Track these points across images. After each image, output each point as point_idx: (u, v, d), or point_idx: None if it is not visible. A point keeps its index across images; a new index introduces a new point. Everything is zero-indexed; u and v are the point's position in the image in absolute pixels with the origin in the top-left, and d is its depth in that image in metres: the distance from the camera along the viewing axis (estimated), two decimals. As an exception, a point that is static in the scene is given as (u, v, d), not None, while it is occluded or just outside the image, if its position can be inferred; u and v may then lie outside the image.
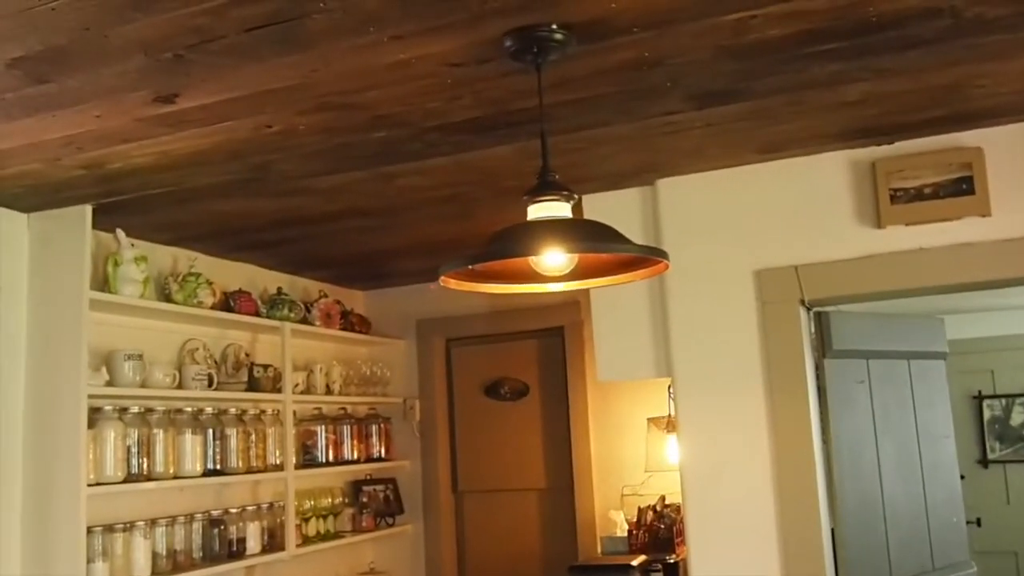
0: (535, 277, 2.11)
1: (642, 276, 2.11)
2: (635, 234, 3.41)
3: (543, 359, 5.04)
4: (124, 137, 2.56)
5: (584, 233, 1.98)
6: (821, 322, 3.28)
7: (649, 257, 2.04)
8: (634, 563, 3.40)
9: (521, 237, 1.95)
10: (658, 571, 3.50)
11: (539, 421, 5.01)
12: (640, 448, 4.48)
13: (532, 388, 5.05)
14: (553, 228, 1.97)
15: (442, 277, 2.01)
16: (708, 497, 3.17)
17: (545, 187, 2.04)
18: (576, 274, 2.11)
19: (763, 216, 3.21)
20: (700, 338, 3.24)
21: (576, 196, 2.05)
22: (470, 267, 2.01)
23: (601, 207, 3.42)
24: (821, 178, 3.14)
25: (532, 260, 2.01)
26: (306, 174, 3.05)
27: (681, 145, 3.01)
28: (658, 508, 4.13)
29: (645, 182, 3.41)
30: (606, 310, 3.44)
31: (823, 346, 3.27)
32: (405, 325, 5.20)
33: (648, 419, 4.42)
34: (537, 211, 2.04)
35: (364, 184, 3.19)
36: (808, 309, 3.24)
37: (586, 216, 3.37)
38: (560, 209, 2.03)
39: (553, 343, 4.94)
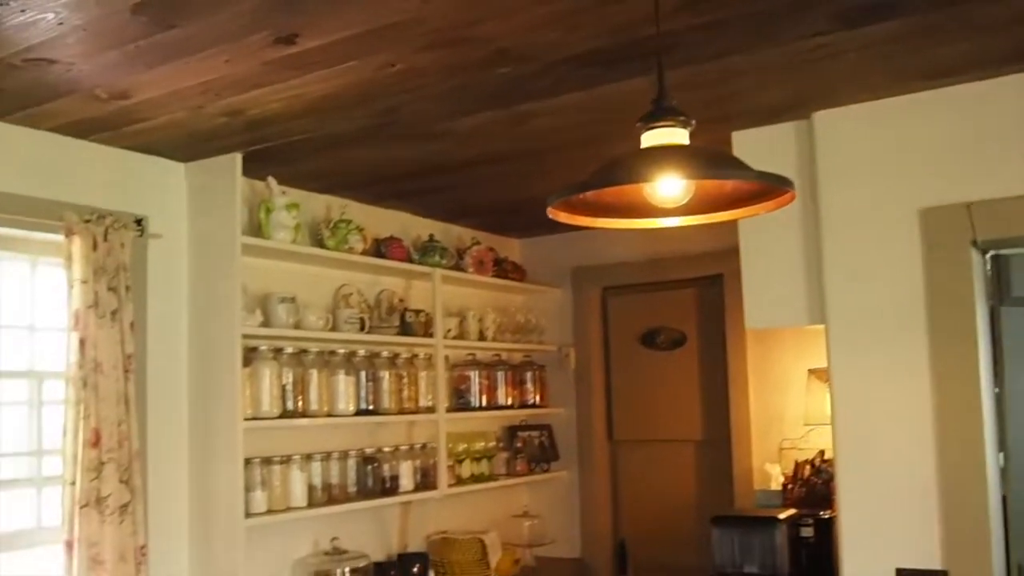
0: (651, 211, 2.00)
1: (766, 209, 1.96)
2: (789, 172, 3.14)
3: (701, 308, 4.88)
4: (255, 82, 2.62)
5: (701, 159, 1.85)
6: (999, 266, 2.97)
7: (774, 187, 1.88)
8: (781, 516, 3.23)
9: (634, 164, 1.84)
10: (809, 526, 3.33)
11: (696, 371, 4.87)
12: (801, 401, 4.26)
13: (689, 337, 4.90)
14: (668, 154, 1.84)
15: (550, 208, 1.92)
16: (862, 454, 2.96)
17: (660, 112, 1.91)
18: (695, 208, 1.98)
19: (930, 149, 2.93)
20: (857, 283, 3.01)
21: (693, 122, 1.91)
22: (579, 196, 1.90)
23: (751, 144, 3.23)
24: (996, 106, 2.82)
25: (646, 190, 1.90)
26: (436, 117, 3.04)
27: (835, 72, 2.78)
28: (816, 463, 3.93)
29: (800, 116, 3.19)
30: (756, 254, 3.26)
31: (1000, 292, 2.96)
32: (561, 273, 5.16)
33: (809, 370, 4.19)
34: (651, 138, 1.91)
35: (496, 127, 3.14)
36: (983, 252, 2.94)
37: (735, 154, 3.19)
38: (676, 136, 1.90)
39: (712, 291, 4.76)
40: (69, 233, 3.07)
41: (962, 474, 2.78)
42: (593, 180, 1.85)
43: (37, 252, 3.18)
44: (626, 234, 4.90)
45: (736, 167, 1.86)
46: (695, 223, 2.04)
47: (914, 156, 2.95)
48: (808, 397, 4.19)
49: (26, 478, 3.12)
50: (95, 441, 3.02)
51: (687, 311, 4.92)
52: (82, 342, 3.04)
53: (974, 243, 2.85)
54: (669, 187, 1.88)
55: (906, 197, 2.94)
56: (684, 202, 1.91)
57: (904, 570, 2.85)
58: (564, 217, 1.99)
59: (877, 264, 2.98)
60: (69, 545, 2.97)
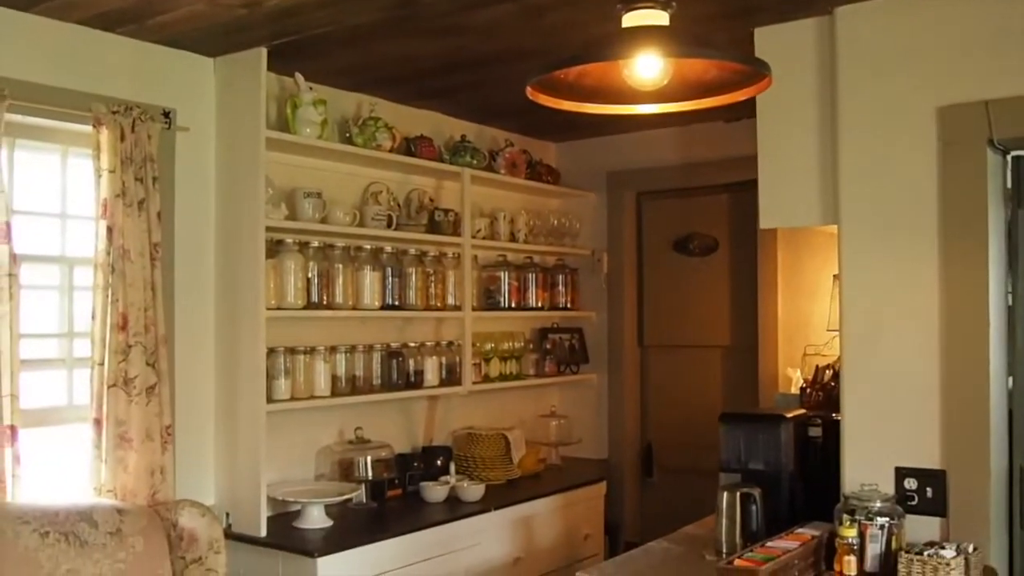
0: (634, 97, 1.99)
1: (745, 95, 1.94)
2: (809, 71, 3.15)
3: (734, 214, 4.83)
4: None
5: (678, 40, 1.83)
6: (1020, 169, 2.89)
7: (752, 71, 1.86)
8: (788, 415, 3.25)
9: (612, 43, 1.83)
10: (817, 426, 3.34)
11: (727, 278, 4.85)
12: (826, 307, 4.23)
13: (721, 243, 4.88)
14: (646, 33, 1.83)
15: (529, 89, 1.93)
16: (866, 353, 2.95)
17: (640, -6, 1.90)
18: (675, 96, 1.97)
19: (952, 46, 2.83)
20: (871, 183, 2.96)
21: (674, 4, 1.89)
22: (564, 79, 1.91)
23: (772, 42, 3.16)
24: (1019, 2, 2.70)
25: (625, 72, 1.90)
26: (452, 8, 3.02)
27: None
28: (836, 368, 3.91)
29: (823, 11, 3.10)
30: (773, 153, 3.22)
31: (1019, 196, 2.89)
32: (596, 178, 5.14)
33: (835, 276, 4.13)
34: (632, 19, 1.90)
35: (512, 20, 3.11)
36: (1003, 152, 2.86)
37: (757, 53, 3.13)
38: (656, 17, 1.89)
39: (745, 197, 4.67)
40: (97, 124, 3.17)
41: (965, 377, 2.76)
42: (572, 57, 1.85)
43: (68, 142, 3.29)
44: (662, 138, 4.87)
45: (713, 49, 1.84)
46: (673, 110, 2.04)
47: (935, 53, 2.86)
48: (832, 303, 4.15)
49: (58, 358, 3.29)
50: (122, 325, 3.16)
51: (720, 217, 4.89)
52: (110, 230, 3.16)
53: (991, 142, 2.76)
54: (646, 68, 1.88)
55: (925, 95, 2.86)
56: (662, 84, 1.90)
57: (903, 468, 2.87)
58: (545, 100, 2.00)
59: (892, 164, 2.92)
60: (98, 423, 3.15)
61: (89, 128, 3.16)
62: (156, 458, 3.22)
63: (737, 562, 2.54)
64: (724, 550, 2.89)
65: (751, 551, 2.64)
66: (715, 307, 4.87)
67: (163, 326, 3.28)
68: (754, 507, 2.93)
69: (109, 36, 3.28)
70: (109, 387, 3.13)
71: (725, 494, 2.95)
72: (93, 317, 3.15)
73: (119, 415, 3.15)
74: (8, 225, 2.92)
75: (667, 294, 5.06)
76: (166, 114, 3.40)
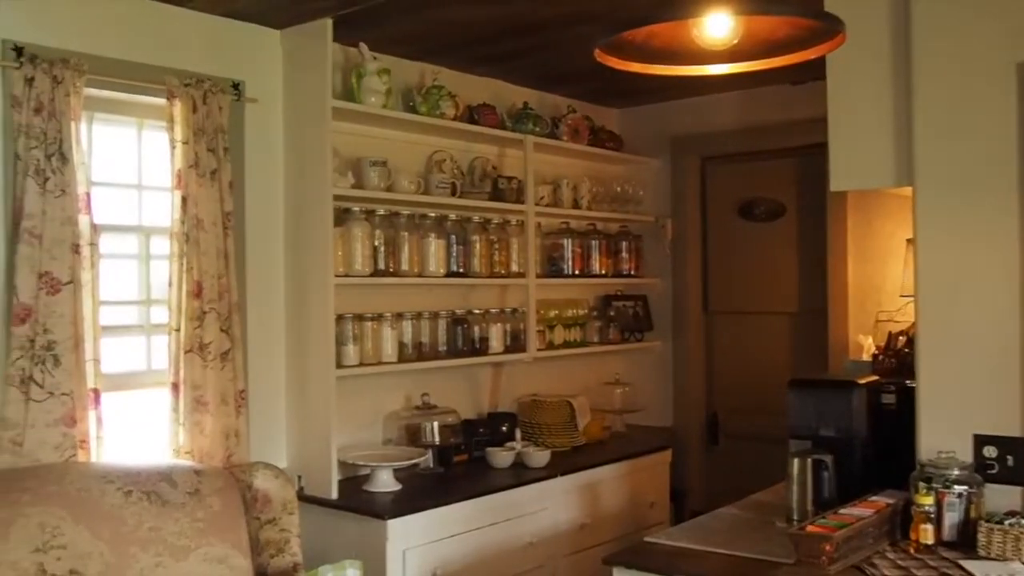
0: (703, 58, 1.97)
1: (817, 53, 1.90)
2: (882, 27, 3.05)
3: (801, 178, 4.76)
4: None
5: (749, -2, 1.80)
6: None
7: (826, 28, 1.82)
8: (860, 381, 3.20)
9: (683, 1, 1.81)
10: (891, 392, 3.28)
11: (794, 242, 4.79)
12: (899, 272, 4.15)
13: (788, 208, 4.81)
14: (715, -9, 1.80)
15: (597, 51, 1.92)
16: (943, 318, 2.88)
17: (710, -47, 1.86)
18: (746, 55, 1.93)
19: (1036, -3, 2.73)
20: (948, 142, 2.88)
21: (744, -39, 1.85)
22: (632, 40, 1.89)
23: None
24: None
25: (694, 32, 1.87)
26: (516, -28, 3.02)
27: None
28: (909, 334, 3.84)
29: (898, -37, 3.01)
30: (843, 113, 3.13)
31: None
32: (659, 143, 5.10)
33: (908, 240, 4.05)
34: (701, -21, 1.87)
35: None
36: (1089, 109, 2.75)
37: (826, 7, 3.06)
38: (727, -23, 1.85)
39: (812, 160, 4.60)
40: (170, 96, 3.23)
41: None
42: (640, 17, 1.83)
43: (143, 115, 3.35)
44: (726, 102, 4.80)
45: (785, 5, 1.81)
46: (744, 69, 2.00)
47: (1015, 5, 2.76)
48: (906, 268, 4.07)
49: (136, 325, 3.38)
50: (197, 292, 3.24)
51: (787, 181, 4.81)
52: (184, 200, 3.23)
53: (1076, 98, 2.67)
54: (717, 26, 1.85)
55: (1004, 50, 2.76)
56: (732, 44, 1.87)
57: (982, 436, 2.81)
58: (614, 62, 1.98)
59: (970, 122, 2.84)
60: (175, 387, 3.24)
61: (163, 101, 3.23)
62: (231, 422, 3.31)
63: (810, 528, 2.52)
64: (795, 517, 2.87)
65: (823, 518, 2.61)
66: (782, 272, 4.81)
67: (236, 293, 3.35)
68: (825, 474, 2.90)
69: (180, 10, 3.34)
70: (185, 352, 3.22)
71: (796, 460, 2.92)
72: (169, 284, 3.24)
73: (195, 380, 3.23)
74: (88, 196, 3.00)
75: (732, 260, 5.01)
76: (236, 86, 3.45)
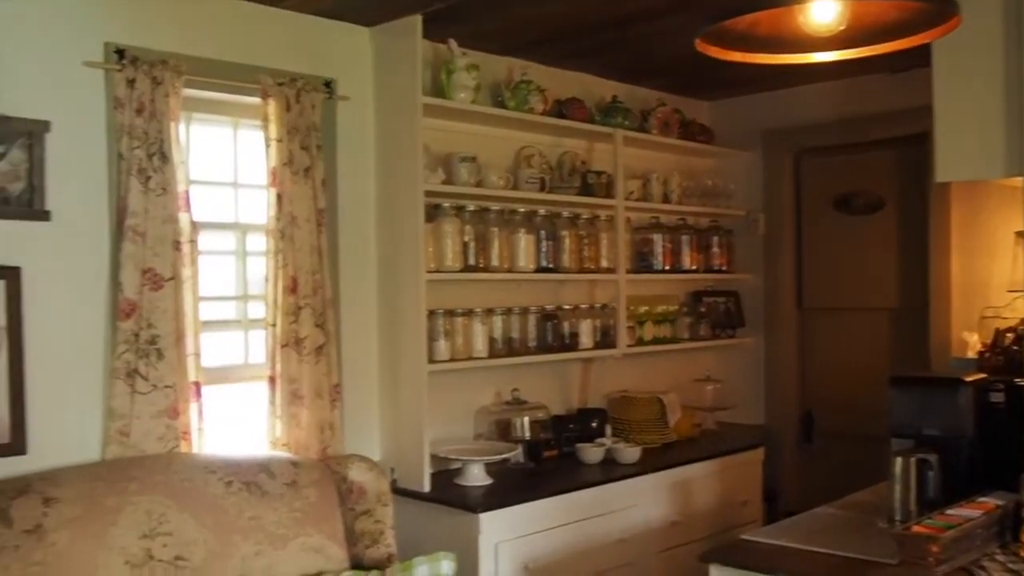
0: (805, 46, 1.91)
1: (928, 38, 1.83)
2: (993, 9, 2.93)
3: (900, 169, 4.60)
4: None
5: (856, -17, 1.74)
6: None
7: (940, 11, 1.75)
8: (967, 379, 3.08)
9: (784, -12, 1.76)
10: (999, 391, 3.14)
11: (893, 236, 4.64)
12: (1007, 266, 3.98)
13: (887, 201, 4.66)
14: (820, -22, 1.75)
15: (698, 41, 1.88)
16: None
17: (813, -65, 1.81)
18: (849, 42, 1.87)
19: None
20: (1063, 129, 2.75)
21: (851, -57, 1.79)
22: (734, 29, 1.85)
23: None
24: None
25: (800, 18, 1.82)
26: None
27: None
28: (1019, 330, 3.68)
29: (1008, -55, 2.88)
30: (950, 101, 3.03)
31: None
32: (750, 136, 5.00)
33: (1017, 233, 3.89)
34: (805, -36, 1.81)
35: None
36: None
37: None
38: (831, -40, 1.80)
39: (913, 152, 4.46)
40: (265, 96, 3.29)
41: None
42: (745, 5, 1.79)
43: (238, 114, 3.43)
44: (820, 93, 4.68)
45: (896, -12, 1.74)
46: (851, 56, 1.94)
47: None
48: (1015, 262, 3.91)
49: (234, 320, 3.46)
50: (292, 288, 3.30)
51: (885, 173, 4.67)
52: (279, 197, 3.29)
53: None
54: (823, 11, 1.79)
55: None
56: (838, 30, 1.81)
57: (1098, 436, 2.68)
58: (716, 52, 1.94)
59: (1089, 108, 2.71)
60: (272, 381, 3.30)
61: (257, 100, 3.29)
62: (326, 415, 3.36)
63: (915, 528, 2.44)
64: (898, 517, 2.78)
65: (929, 518, 2.52)
66: (881, 267, 4.67)
67: (330, 289, 3.40)
68: (930, 473, 2.80)
69: (272, 10, 3.40)
70: (282, 347, 3.28)
71: (899, 459, 2.83)
72: (266, 280, 3.30)
73: (291, 373, 3.29)
74: (187, 194, 3.08)
75: (828, 255, 4.88)
76: (327, 84, 3.50)
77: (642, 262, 4.59)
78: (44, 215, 2.85)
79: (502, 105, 3.93)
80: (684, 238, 4.75)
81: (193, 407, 3.09)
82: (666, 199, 4.66)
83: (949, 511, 2.58)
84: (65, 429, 2.89)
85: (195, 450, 3.08)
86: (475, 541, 3.26)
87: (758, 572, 2.53)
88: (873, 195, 4.70)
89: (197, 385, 3.11)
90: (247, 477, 2.97)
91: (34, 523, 2.55)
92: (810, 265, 4.96)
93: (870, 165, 4.72)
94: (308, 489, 3.07)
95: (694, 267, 4.78)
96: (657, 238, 4.63)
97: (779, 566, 2.53)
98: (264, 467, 3.04)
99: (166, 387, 2.99)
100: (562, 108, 4.16)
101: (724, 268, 4.93)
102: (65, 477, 2.72)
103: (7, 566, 2.45)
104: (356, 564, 3.09)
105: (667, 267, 4.65)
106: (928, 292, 4.37)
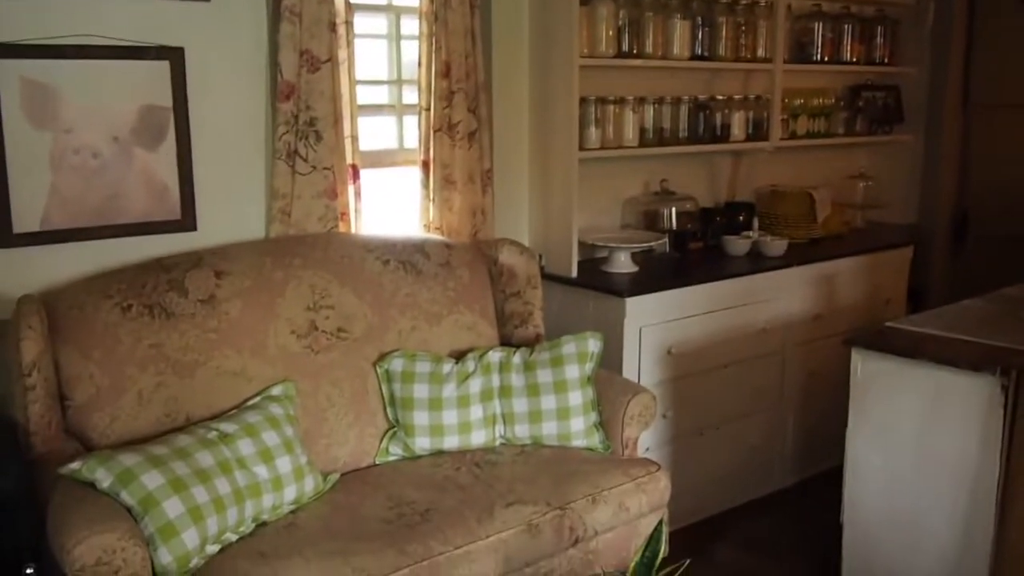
0: None
1: None
2: None
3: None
4: None
5: None
6: None
7: None
8: None
9: None
10: None
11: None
12: None
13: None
14: None
15: None
16: None
17: None
18: None
19: None
20: None
21: None
22: None
23: None
24: None
25: None
26: None
27: None
28: None
29: None
30: None
31: None
32: (928, -87, 4.56)
33: None
34: None
35: None
36: None
37: None
38: None
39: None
40: None
41: None
42: None
43: None
44: None
45: None
46: None
47: None
48: None
49: (388, 104, 3.50)
50: (445, 72, 3.29)
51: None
52: (432, -23, 3.23)
53: None
54: None
55: None
56: None
57: None
58: None
59: None
60: (425, 165, 3.36)
61: None
62: (477, 199, 3.43)
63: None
64: (1051, 310, 2.71)
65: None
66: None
67: (482, 73, 3.38)
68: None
69: None
70: (435, 132, 3.32)
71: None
72: (419, 64, 3.30)
73: (444, 158, 3.35)
74: (342, -27, 3.05)
75: (1003, 49, 4.52)
76: None
77: (800, 52, 4.36)
78: (205, -7, 2.87)
79: None
80: (846, 27, 4.46)
81: (351, 189, 3.20)
82: (829, -16, 4.36)
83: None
84: (231, 207, 3.03)
85: (353, 231, 3.21)
86: (620, 324, 3.35)
87: (902, 356, 2.53)
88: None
89: (354, 167, 3.20)
90: (403, 257, 3.10)
91: (208, 293, 2.73)
92: (981, 59, 4.61)
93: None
94: (461, 270, 3.18)
95: (854, 59, 4.51)
96: (817, 27, 4.36)
97: (922, 350, 2.53)
98: (419, 248, 3.16)
99: (325, 168, 3.08)
100: None
101: (886, 60, 4.64)
102: (234, 252, 2.89)
103: (184, 331, 2.65)
104: (505, 342, 3.24)
105: (826, 58, 4.41)
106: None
